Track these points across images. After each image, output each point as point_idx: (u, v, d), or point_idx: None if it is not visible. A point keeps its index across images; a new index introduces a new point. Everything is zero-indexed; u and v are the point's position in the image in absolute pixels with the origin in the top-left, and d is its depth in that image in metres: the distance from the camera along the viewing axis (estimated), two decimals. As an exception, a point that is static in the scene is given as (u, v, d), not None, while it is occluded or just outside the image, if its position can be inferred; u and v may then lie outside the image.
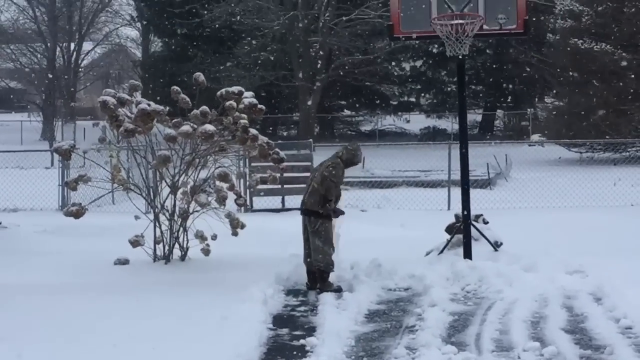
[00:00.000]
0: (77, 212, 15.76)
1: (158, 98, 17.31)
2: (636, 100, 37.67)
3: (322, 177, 13.69)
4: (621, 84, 38.17)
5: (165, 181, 15.76)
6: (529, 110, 51.81)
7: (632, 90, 37.86)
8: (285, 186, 23.04)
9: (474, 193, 16.77)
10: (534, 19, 38.49)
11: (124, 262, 15.48)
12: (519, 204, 23.83)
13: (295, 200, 22.13)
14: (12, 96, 66.50)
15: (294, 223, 14.62)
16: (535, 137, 41.89)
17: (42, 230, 19.39)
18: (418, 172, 31.67)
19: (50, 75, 57.96)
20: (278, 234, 14.54)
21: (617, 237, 17.93)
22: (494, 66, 51.72)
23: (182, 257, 15.74)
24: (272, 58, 44.64)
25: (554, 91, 43.59)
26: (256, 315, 11.67)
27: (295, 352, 10.40)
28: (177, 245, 15.77)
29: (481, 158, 30.11)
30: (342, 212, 14.29)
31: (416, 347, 10.46)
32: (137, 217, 15.88)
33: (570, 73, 39.87)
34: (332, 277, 13.66)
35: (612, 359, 9.94)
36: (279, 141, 28.10)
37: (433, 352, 10.18)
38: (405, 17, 15.56)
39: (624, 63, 37.85)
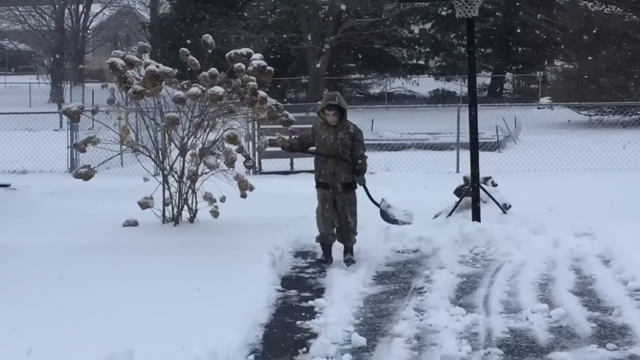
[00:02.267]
0: (86, 174, 15.78)
1: (166, 60, 17.25)
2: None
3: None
4: (631, 46, 37.98)
5: (174, 143, 15.77)
6: (538, 73, 51.68)
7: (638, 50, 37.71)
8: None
9: (482, 156, 16.76)
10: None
11: (132, 223, 15.54)
12: (527, 167, 23.81)
13: (303, 163, 22.18)
14: (20, 58, 66.43)
15: (303, 185, 14.67)
16: (544, 100, 41.75)
17: (51, 192, 19.43)
18: (427, 134, 31.65)
19: (59, 37, 57.90)
20: (287, 196, 14.59)
21: (626, 200, 17.86)
22: (503, 29, 51.59)
23: (191, 219, 15.79)
24: (280, 20, 44.51)
25: (564, 54, 43.38)
26: (265, 276, 11.74)
27: (303, 314, 10.46)
28: (185, 207, 15.82)
29: (490, 121, 30.06)
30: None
31: (424, 309, 10.52)
32: (145, 179, 15.89)
33: (580, 36, 39.66)
34: (338, 248, 13.50)
35: (621, 320, 9.97)
36: (288, 104, 28.14)
37: (441, 313, 10.22)
38: (415, -22, 15.50)
39: (636, 24, 37.68)
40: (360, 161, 12.94)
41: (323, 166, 12.85)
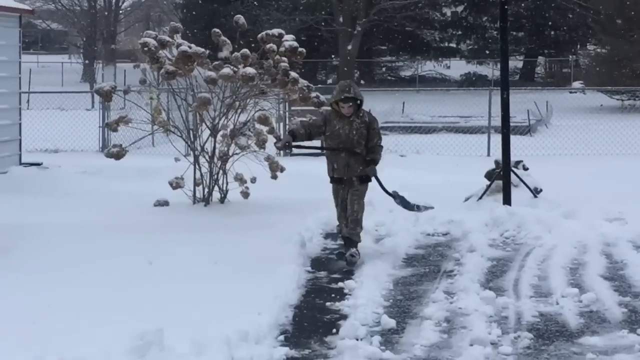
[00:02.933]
0: (118, 154, 15.86)
1: (198, 41, 17.30)
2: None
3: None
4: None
5: (206, 124, 15.84)
6: (570, 57, 51.56)
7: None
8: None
9: (514, 139, 16.71)
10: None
11: (163, 203, 15.62)
12: (559, 151, 23.78)
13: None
14: (52, 38, 66.67)
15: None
16: (576, 84, 41.61)
17: (82, 172, 19.53)
18: (458, 117, 31.66)
19: (91, 17, 58.10)
20: (317, 177, 14.50)
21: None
22: (536, 12, 51.37)
23: (222, 200, 15.85)
24: (312, 1, 44.52)
25: (597, 38, 43.20)
26: (294, 258, 11.78)
27: (333, 295, 10.48)
28: (216, 188, 15.90)
29: (521, 104, 30.00)
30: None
31: (454, 292, 10.54)
32: (177, 159, 15.98)
33: (614, 19, 39.45)
34: (371, 225, 13.47)
35: (651, 305, 9.99)
36: (319, 85, 28.10)
37: (471, 296, 10.23)
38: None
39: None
40: (374, 151, 12.01)
41: (336, 159, 11.93)
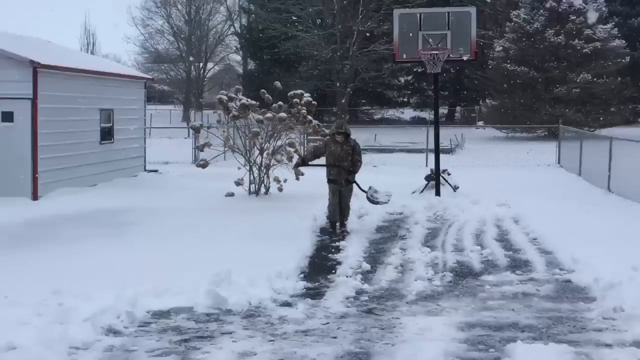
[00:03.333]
0: (203, 165, 15.95)
1: (251, 97, 17.35)
2: (542, 101, 37.32)
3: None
4: (532, 91, 37.89)
5: (256, 146, 15.84)
6: (476, 107, 51.39)
7: (540, 95, 37.55)
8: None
9: (442, 156, 16.70)
10: (483, 50, 38.04)
11: (230, 194, 15.63)
12: (469, 164, 23.68)
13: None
14: (164, 95, 66.92)
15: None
16: (479, 123, 41.50)
17: (182, 175, 19.54)
18: (408, 143, 31.48)
19: (187, 83, 58.26)
20: (321, 180, 14.46)
21: (528, 185, 17.85)
22: (455, 79, 51.30)
23: (266, 192, 15.84)
24: (320, 73, 44.64)
25: (491, 95, 43.09)
26: (309, 227, 11.80)
27: (333, 250, 10.49)
28: (262, 186, 15.89)
29: (446, 136, 29.85)
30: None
31: (406, 248, 10.57)
32: (239, 168, 15.97)
33: (502, 84, 39.56)
34: (356, 208, 13.18)
35: (524, 256, 9.99)
36: (325, 124, 28.05)
37: (416, 251, 10.29)
38: (402, 49, 15.47)
39: (536, 78, 37.57)
40: (355, 166, 11.76)
41: (331, 170, 11.77)
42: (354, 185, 12.06)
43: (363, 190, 12.32)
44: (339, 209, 11.83)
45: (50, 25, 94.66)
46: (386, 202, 12.61)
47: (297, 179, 15.18)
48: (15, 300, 7.23)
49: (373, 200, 12.40)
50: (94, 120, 17.74)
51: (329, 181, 11.89)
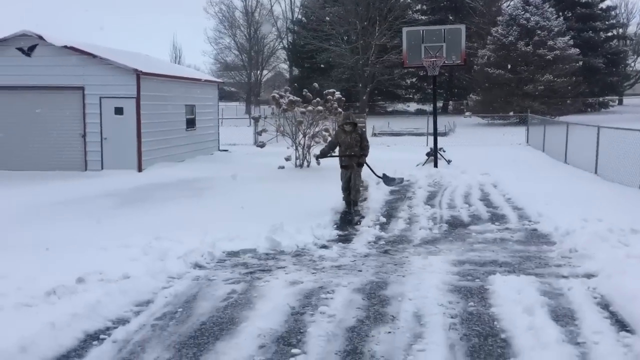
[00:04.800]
0: (262, 145, 16.02)
1: (296, 95, 17.28)
2: (514, 96, 36.55)
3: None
4: (508, 89, 37.12)
5: (300, 132, 15.82)
6: (464, 101, 50.53)
7: (513, 91, 36.79)
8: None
9: (439, 138, 16.51)
10: (470, 58, 37.33)
11: (281, 167, 15.63)
12: (459, 143, 23.42)
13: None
14: (230, 94, 67.05)
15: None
16: (467, 113, 40.58)
17: (245, 153, 19.60)
18: (413, 128, 31.19)
19: (248, 85, 58.18)
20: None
21: (504, 159, 17.57)
22: (449, 80, 50.43)
23: (307, 165, 15.81)
24: (348, 77, 44.31)
25: (476, 91, 42.36)
26: (341, 191, 11.68)
27: (357, 208, 10.39)
28: (305, 161, 15.89)
29: (442, 123, 29.50)
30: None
31: (412, 206, 10.49)
32: (287, 147, 16.00)
33: (484, 84, 38.84)
34: (374, 179, 12.59)
35: (501, 212, 9.83)
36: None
37: (420, 208, 10.23)
38: (409, 57, 15.24)
39: (510, 78, 36.75)
40: (364, 150, 10.05)
41: (344, 159, 10.04)
42: (371, 171, 10.79)
43: (378, 176, 11.10)
44: (348, 191, 10.16)
45: (148, 42, 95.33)
46: (400, 182, 11.41)
47: (318, 163, 15.06)
48: (127, 243, 7.38)
49: (388, 183, 11.16)
50: (181, 113, 17.86)
51: (341, 167, 10.23)
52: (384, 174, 11.17)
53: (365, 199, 10.88)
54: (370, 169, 10.89)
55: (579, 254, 6.92)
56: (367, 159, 10.20)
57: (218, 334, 4.81)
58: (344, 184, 10.19)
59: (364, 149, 10.16)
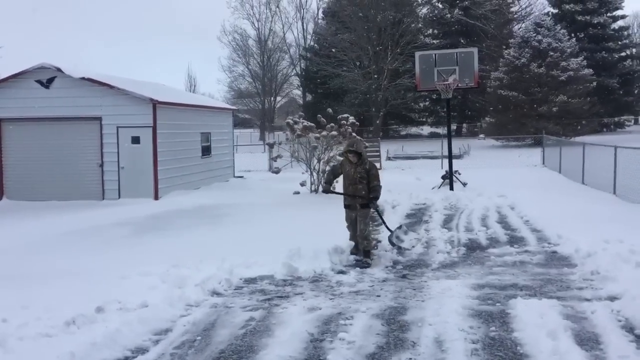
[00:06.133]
0: (276, 171, 16.06)
1: (310, 121, 17.37)
2: (528, 118, 36.45)
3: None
4: (520, 110, 37.04)
5: (315, 157, 15.86)
6: (478, 123, 50.50)
7: (527, 113, 36.68)
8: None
9: (453, 161, 16.49)
10: (483, 80, 37.40)
11: (297, 192, 15.65)
12: (474, 166, 23.33)
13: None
14: (245, 121, 67.60)
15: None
16: (481, 135, 40.59)
17: (260, 180, 19.67)
18: (428, 152, 31.14)
19: (262, 112, 58.72)
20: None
21: (520, 180, 17.48)
22: (462, 103, 50.52)
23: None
24: (361, 102, 44.55)
25: (490, 114, 42.34)
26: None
27: (374, 232, 10.30)
28: (320, 186, 15.85)
29: (456, 145, 29.43)
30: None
31: (429, 229, 10.42)
32: (303, 173, 16.03)
33: (497, 106, 38.82)
34: (389, 200, 12.96)
35: (519, 234, 9.76)
36: (364, 138, 27.98)
37: (437, 231, 10.16)
38: (422, 81, 15.30)
39: (524, 100, 36.71)
40: (375, 190, 8.24)
41: (346, 198, 8.47)
42: (369, 211, 8.43)
43: (390, 230, 9.00)
44: (355, 231, 8.51)
45: (163, 73, 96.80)
46: (409, 249, 8.70)
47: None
48: (145, 271, 7.40)
49: (394, 244, 8.76)
50: (196, 141, 18.01)
51: (345, 206, 8.61)
52: (401, 226, 9.24)
53: (376, 246, 8.92)
54: (380, 217, 9.24)
55: (601, 276, 6.80)
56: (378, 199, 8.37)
57: (237, 362, 4.78)
58: (348, 226, 8.60)
59: (373, 189, 8.22)
